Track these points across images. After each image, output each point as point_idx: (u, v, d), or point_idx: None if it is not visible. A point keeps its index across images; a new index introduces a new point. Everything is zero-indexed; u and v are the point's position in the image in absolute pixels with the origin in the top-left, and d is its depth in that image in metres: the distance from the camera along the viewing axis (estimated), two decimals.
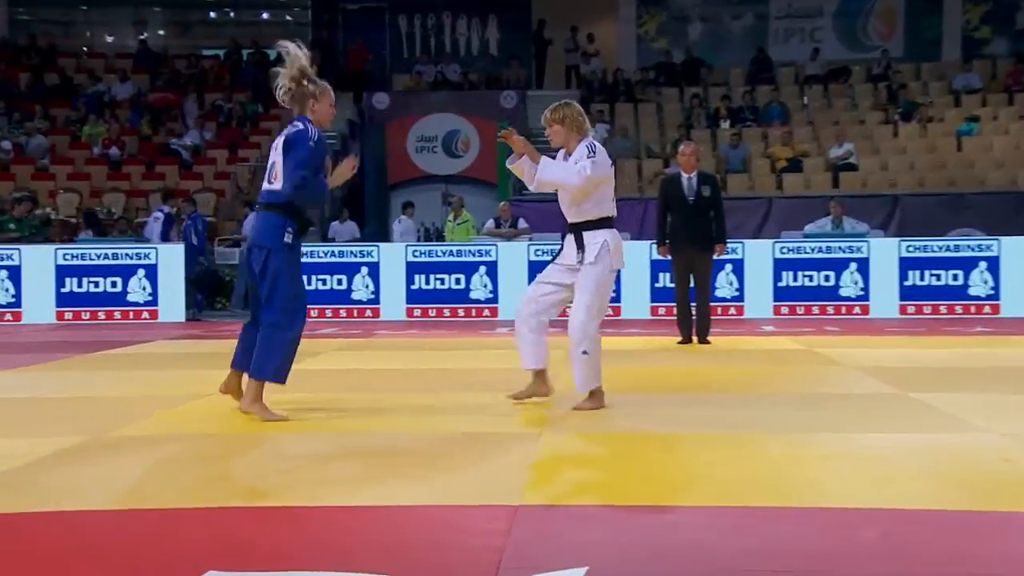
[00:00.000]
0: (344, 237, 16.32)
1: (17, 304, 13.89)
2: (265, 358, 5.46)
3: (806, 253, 13.71)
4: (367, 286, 14.00)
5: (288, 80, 5.52)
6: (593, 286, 5.74)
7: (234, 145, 21.19)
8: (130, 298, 14.01)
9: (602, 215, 5.80)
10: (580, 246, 5.77)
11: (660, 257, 10.25)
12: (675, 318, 10.01)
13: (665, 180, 10.41)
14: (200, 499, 3.92)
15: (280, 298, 5.45)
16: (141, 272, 14.01)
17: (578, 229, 5.81)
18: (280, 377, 5.53)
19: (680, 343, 9.75)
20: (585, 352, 5.71)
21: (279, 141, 5.58)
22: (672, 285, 10.55)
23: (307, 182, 5.37)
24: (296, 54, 5.48)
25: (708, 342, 9.73)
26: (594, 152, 5.71)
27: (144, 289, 14.01)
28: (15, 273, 13.91)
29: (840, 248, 13.66)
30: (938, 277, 13.49)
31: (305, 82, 5.53)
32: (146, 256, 14.06)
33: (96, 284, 13.97)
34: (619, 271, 5.95)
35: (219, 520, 3.65)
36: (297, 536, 3.46)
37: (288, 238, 5.40)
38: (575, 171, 5.69)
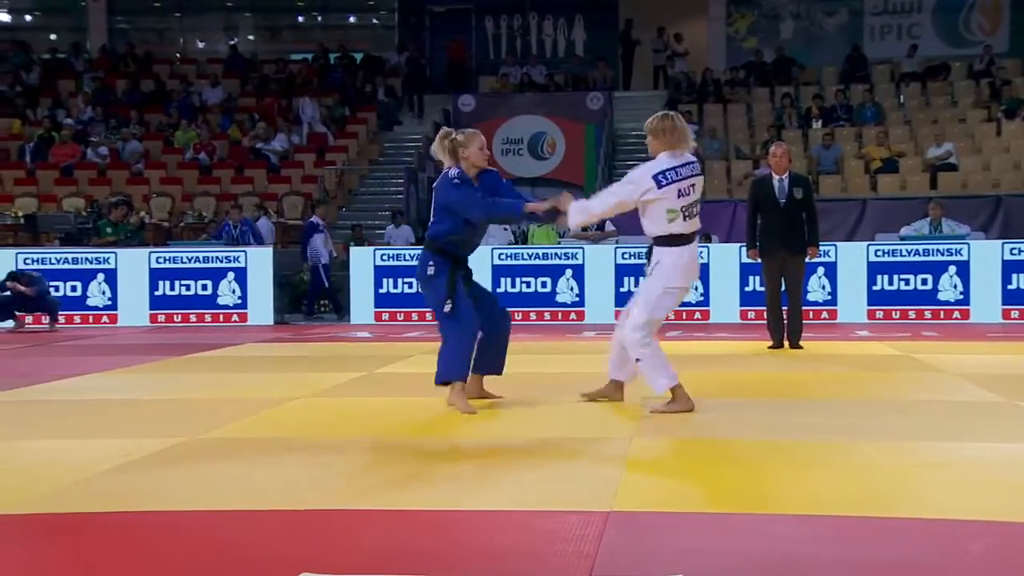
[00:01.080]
0: (399, 241, 16.38)
1: (113, 307, 14.29)
2: (439, 364, 6.15)
3: (902, 256, 13.40)
4: None
5: (437, 145, 6.23)
6: (643, 300, 5.99)
7: (321, 149, 21.52)
8: (220, 301, 14.31)
9: (661, 233, 5.88)
10: (648, 259, 6.15)
11: (750, 260, 10.12)
12: (765, 322, 9.87)
13: (756, 182, 10.26)
14: (293, 501, 3.98)
15: (439, 317, 6.17)
16: (231, 275, 14.30)
17: (650, 244, 6.13)
18: (454, 375, 6.07)
19: (771, 348, 9.61)
20: (638, 360, 5.97)
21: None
22: (762, 289, 10.41)
23: (471, 207, 6.07)
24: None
25: (800, 347, 9.57)
26: (632, 177, 5.88)
27: (234, 292, 14.30)
28: (111, 276, 14.32)
29: (938, 251, 13.32)
30: None
31: (452, 137, 6.18)
32: (236, 259, 14.35)
33: (188, 287, 14.30)
34: (695, 285, 6.20)
35: (311, 522, 3.70)
36: (389, 540, 3.49)
37: (431, 271, 6.13)
38: (596, 198, 6.09)
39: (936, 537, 3.44)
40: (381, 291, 14.19)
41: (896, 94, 21.70)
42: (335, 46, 25.07)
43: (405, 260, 14.23)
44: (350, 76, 23.78)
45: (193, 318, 14.22)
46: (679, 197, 5.79)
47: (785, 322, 9.61)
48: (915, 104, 21.20)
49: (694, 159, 5.92)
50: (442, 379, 6.08)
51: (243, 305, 14.27)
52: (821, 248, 11.86)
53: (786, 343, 9.61)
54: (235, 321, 14.17)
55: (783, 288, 9.60)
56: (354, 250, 15.00)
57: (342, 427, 5.71)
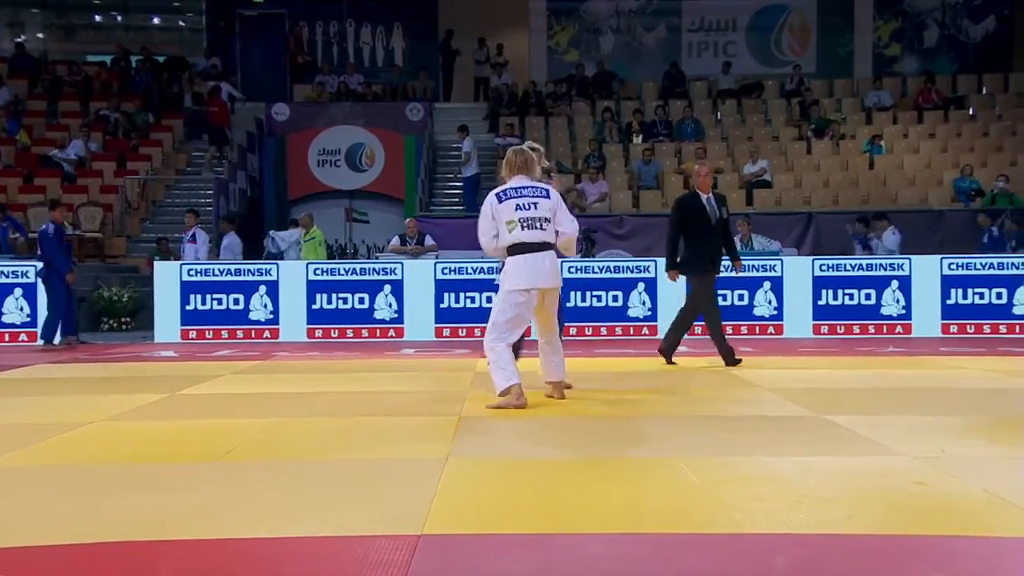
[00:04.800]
0: (189, 255, 15.76)
1: None
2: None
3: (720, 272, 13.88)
4: (266, 306, 13.82)
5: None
6: (493, 306, 7.08)
7: (122, 157, 20.75)
8: (6, 319, 13.60)
9: (506, 244, 6.95)
10: None
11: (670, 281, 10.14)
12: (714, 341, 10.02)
13: (683, 200, 10.24)
14: (85, 534, 3.81)
15: None
16: (18, 292, 13.61)
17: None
18: None
19: (729, 365, 9.78)
20: (490, 362, 6.95)
21: None
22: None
23: None
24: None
25: (673, 363, 9.87)
26: (484, 204, 7.05)
27: (22, 310, 13.61)
28: None
29: (754, 267, 13.90)
30: (851, 296, 13.82)
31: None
32: (24, 275, 13.66)
33: None
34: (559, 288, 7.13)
35: (107, 555, 3.55)
36: (190, 570, 3.38)
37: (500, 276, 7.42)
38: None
39: (743, 552, 3.58)
40: (188, 307, 13.79)
41: (713, 110, 22.62)
42: (137, 48, 24.25)
43: (214, 275, 13.87)
44: (154, 80, 23.05)
45: None
46: (516, 210, 6.87)
47: (676, 338, 9.95)
48: (731, 121, 22.14)
49: (542, 186, 7.01)
50: None
51: (32, 323, 13.60)
52: (640, 264, 12.14)
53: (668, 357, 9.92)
54: (23, 341, 13.48)
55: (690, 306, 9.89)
56: (158, 264, 14.52)
57: (141, 453, 5.51)
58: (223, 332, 13.75)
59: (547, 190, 7.00)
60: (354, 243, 20.92)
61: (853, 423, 6.15)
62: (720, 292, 13.81)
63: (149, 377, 9.56)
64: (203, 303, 13.81)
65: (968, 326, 13.70)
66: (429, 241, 15.44)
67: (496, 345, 6.88)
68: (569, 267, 13.49)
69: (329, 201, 21.57)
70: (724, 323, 13.65)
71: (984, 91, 23.02)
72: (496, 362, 6.85)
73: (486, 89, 23.76)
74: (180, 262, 14.60)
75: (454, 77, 24.56)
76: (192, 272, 13.91)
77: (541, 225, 6.87)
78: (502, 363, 6.84)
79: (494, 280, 7.77)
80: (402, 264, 14.13)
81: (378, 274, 14.02)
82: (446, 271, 13.90)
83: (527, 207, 6.86)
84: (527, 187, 6.95)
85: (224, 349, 12.59)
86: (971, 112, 22.09)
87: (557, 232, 6.96)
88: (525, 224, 6.84)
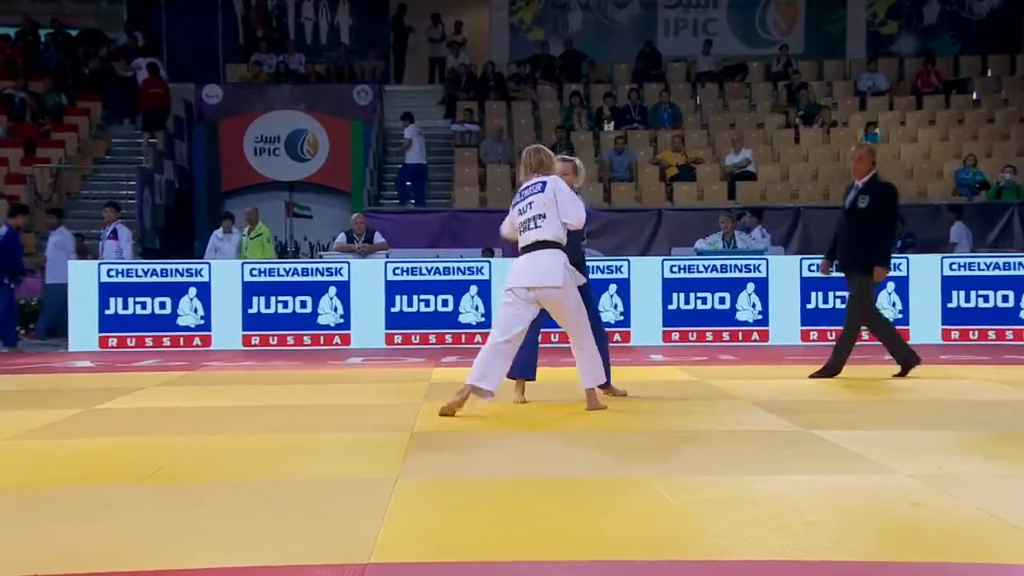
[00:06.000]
0: (110, 253, 15.66)
1: None
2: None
3: (699, 272, 13.98)
4: (196, 310, 13.74)
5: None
6: None
7: (31, 143, 20.54)
8: None
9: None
10: None
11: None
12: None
13: (847, 187, 10.28)
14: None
15: None
16: None
17: None
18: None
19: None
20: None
21: None
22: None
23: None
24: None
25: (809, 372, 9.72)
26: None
27: None
28: None
29: (736, 267, 13.97)
30: (842, 299, 13.86)
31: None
32: None
33: None
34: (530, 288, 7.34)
35: None
36: None
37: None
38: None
39: None
40: (108, 312, 13.68)
41: (692, 95, 22.74)
42: (46, 20, 24.00)
43: (138, 276, 13.76)
44: (66, 57, 22.84)
45: None
46: (520, 215, 7.46)
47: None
48: (712, 106, 22.27)
49: (544, 179, 7.41)
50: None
51: None
52: (612, 264, 12.09)
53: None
54: None
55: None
56: (73, 264, 14.39)
57: (53, 476, 5.46)
58: (147, 339, 13.65)
59: (543, 183, 7.42)
60: (295, 240, 20.84)
61: (843, 438, 6.21)
62: (701, 295, 13.97)
63: (62, 390, 9.48)
64: (125, 307, 13.71)
65: (971, 332, 13.86)
66: (379, 238, 15.41)
67: (489, 343, 7.34)
68: None
69: (268, 194, 21.47)
70: (704, 328, 13.91)
71: (989, 73, 23.33)
72: (482, 355, 7.28)
73: (442, 70, 23.78)
74: (98, 261, 14.48)
75: (406, 57, 24.56)
76: (112, 272, 13.80)
77: (536, 223, 7.35)
78: (484, 362, 7.24)
79: None
80: (349, 264, 14.09)
81: (322, 275, 13.98)
82: (397, 271, 13.88)
83: (525, 209, 7.42)
84: (527, 187, 7.50)
85: (148, 358, 12.50)
86: (975, 97, 22.38)
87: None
88: (523, 227, 7.42)
